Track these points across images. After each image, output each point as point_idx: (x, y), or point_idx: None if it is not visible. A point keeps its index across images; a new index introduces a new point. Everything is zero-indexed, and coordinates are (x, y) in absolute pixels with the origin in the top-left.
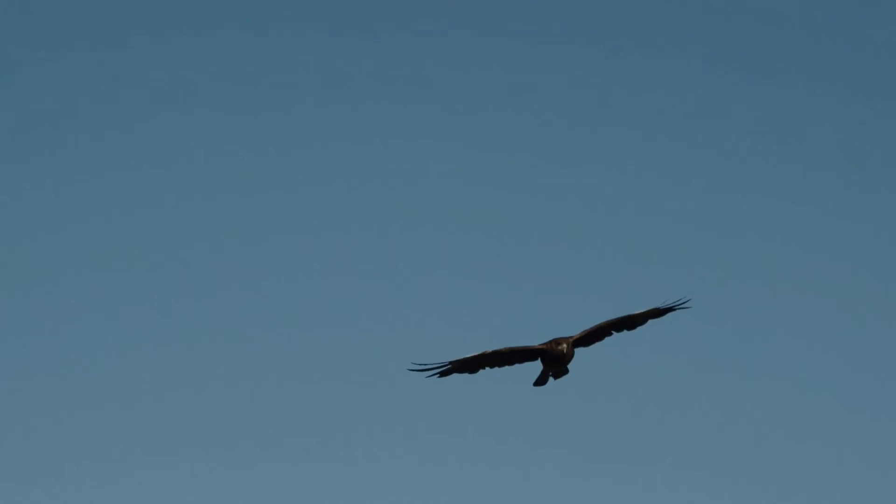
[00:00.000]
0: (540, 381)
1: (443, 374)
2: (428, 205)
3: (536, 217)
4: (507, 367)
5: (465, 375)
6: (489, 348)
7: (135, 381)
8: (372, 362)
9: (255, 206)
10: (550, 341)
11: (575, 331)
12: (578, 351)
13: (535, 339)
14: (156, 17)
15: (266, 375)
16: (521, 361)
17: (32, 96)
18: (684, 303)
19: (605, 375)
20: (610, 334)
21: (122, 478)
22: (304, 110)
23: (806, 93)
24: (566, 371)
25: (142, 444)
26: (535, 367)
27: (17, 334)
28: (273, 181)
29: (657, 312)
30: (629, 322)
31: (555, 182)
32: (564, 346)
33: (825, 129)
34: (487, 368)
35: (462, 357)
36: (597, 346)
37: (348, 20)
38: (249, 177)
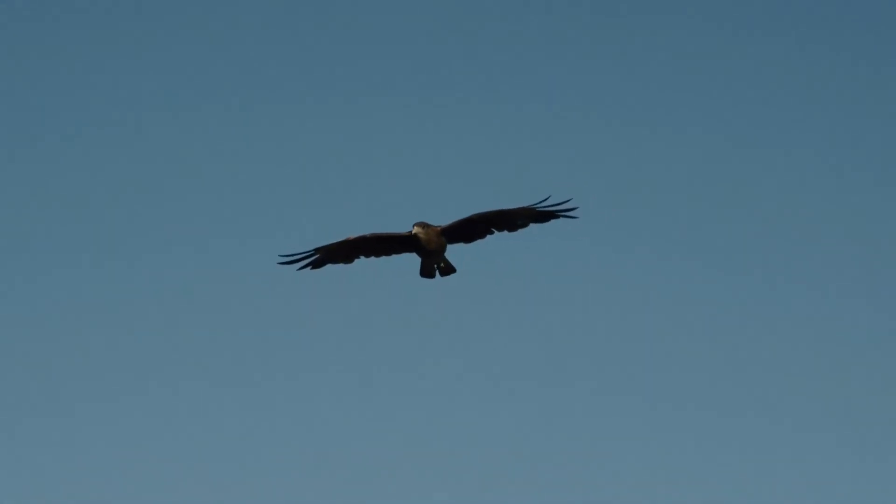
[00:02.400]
0: (425, 273)
1: (315, 265)
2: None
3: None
4: (386, 259)
5: (343, 267)
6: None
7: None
8: (240, 260)
9: None
10: (422, 229)
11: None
12: (466, 249)
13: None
14: None
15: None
16: (395, 250)
17: None
18: (569, 210)
19: (492, 281)
20: (491, 232)
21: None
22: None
23: None
24: (451, 268)
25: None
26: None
27: None
28: None
29: (534, 213)
30: (504, 219)
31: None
32: (418, 229)
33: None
34: (363, 258)
35: (328, 244)
36: (490, 249)
37: None
38: None
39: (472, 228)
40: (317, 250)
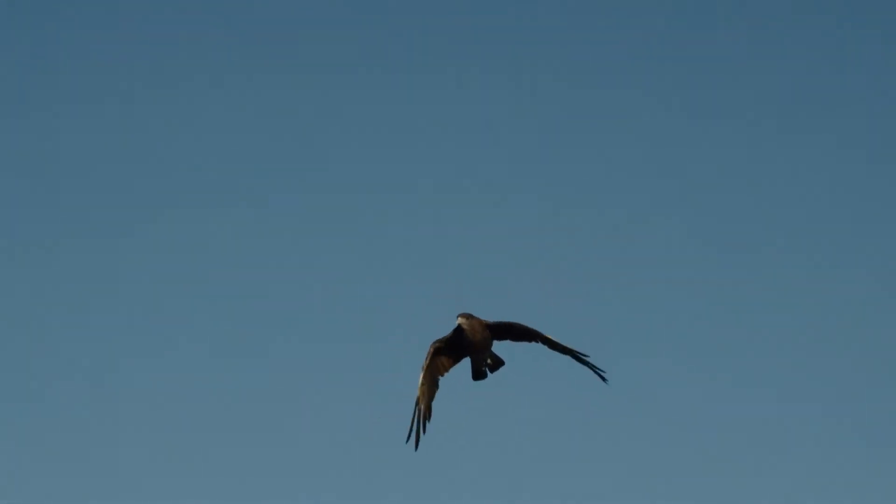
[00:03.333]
0: (477, 375)
1: (427, 417)
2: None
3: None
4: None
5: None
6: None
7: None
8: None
9: None
10: (467, 319)
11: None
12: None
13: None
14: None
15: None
16: (454, 357)
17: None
18: (602, 372)
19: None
20: (537, 341)
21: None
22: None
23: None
24: (499, 361)
25: None
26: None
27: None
28: None
29: (573, 354)
30: (548, 341)
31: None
32: (462, 320)
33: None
34: (442, 377)
35: (418, 392)
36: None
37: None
38: None
39: (516, 333)
40: (417, 403)
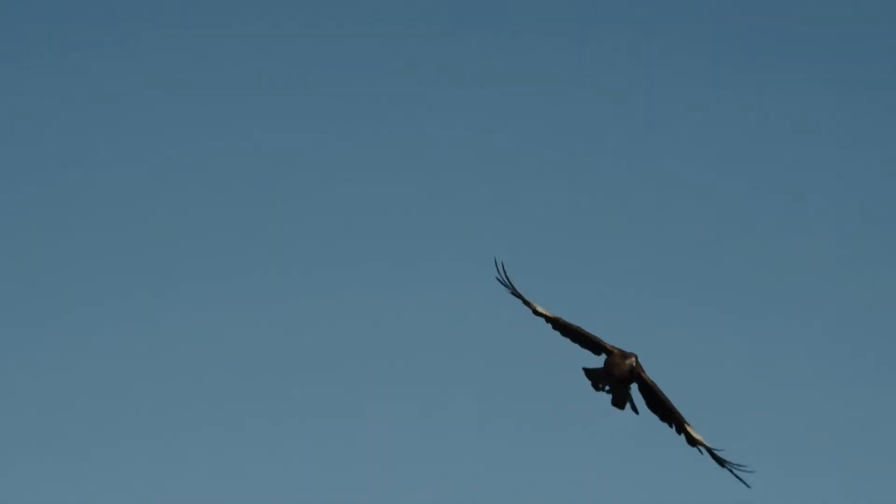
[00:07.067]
0: (617, 402)
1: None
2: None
3: None
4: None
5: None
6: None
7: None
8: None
9: None
10: (624, 352)
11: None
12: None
13: None
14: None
15: None
16: (585, 346)
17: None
18: (743, 469)
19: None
20: (679, 431)
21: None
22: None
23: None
24: (623, 402)
25: None
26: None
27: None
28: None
29: (710, 453)
30: (682, 428)
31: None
32: (634, 360)
33: None
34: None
35: (538, 307)
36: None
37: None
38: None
39: (660, 408)
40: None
